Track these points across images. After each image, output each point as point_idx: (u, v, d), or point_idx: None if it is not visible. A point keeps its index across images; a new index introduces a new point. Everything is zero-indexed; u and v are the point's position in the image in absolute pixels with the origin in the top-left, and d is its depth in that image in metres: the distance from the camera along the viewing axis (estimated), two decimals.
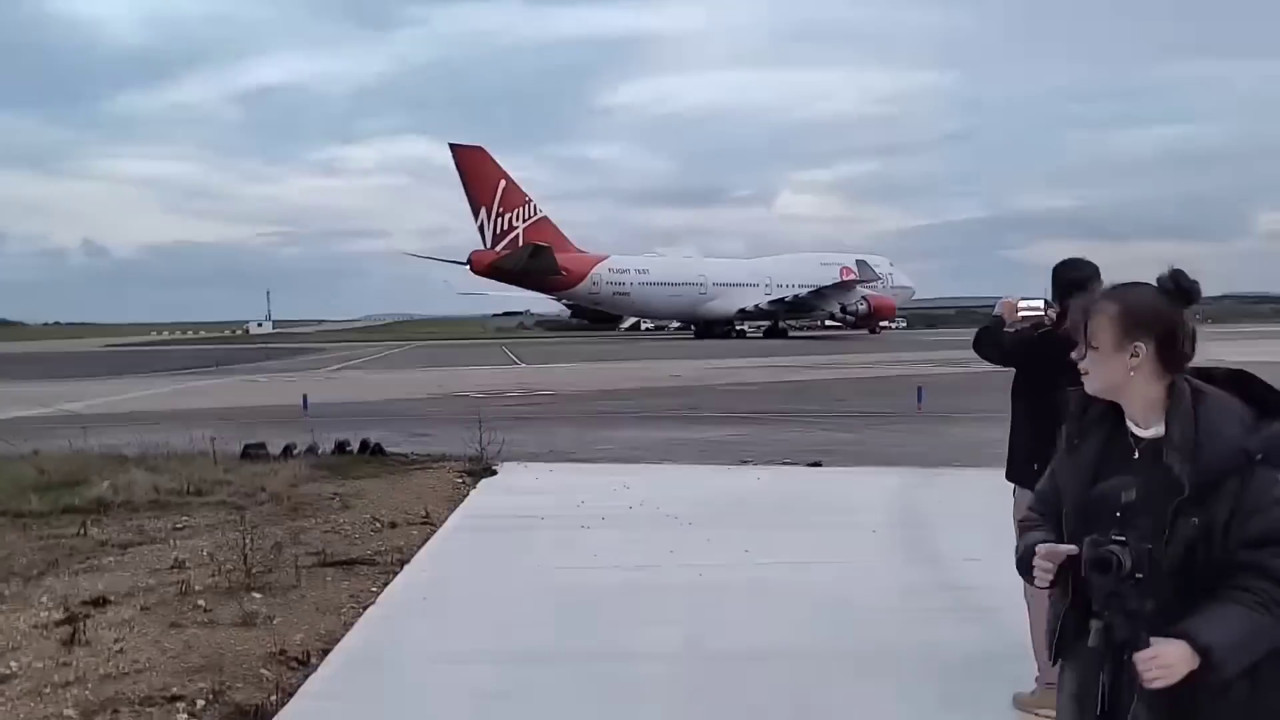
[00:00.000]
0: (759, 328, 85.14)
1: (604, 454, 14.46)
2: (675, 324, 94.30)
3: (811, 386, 29.26)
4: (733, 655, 5.79)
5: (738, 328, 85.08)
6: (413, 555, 8.14)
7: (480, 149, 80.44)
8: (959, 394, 21.94)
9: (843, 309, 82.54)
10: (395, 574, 7.57)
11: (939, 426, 17.49)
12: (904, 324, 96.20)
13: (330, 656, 5.80)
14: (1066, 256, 5.21)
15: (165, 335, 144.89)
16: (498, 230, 79.27)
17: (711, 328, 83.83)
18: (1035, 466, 4.93)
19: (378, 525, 9.22)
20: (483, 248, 79.54)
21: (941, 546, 8.20)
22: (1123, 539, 2.41)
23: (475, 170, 79.08)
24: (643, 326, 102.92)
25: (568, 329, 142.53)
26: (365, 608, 6.74)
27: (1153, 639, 2.35)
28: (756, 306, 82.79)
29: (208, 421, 19.86)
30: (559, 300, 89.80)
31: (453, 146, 79.60)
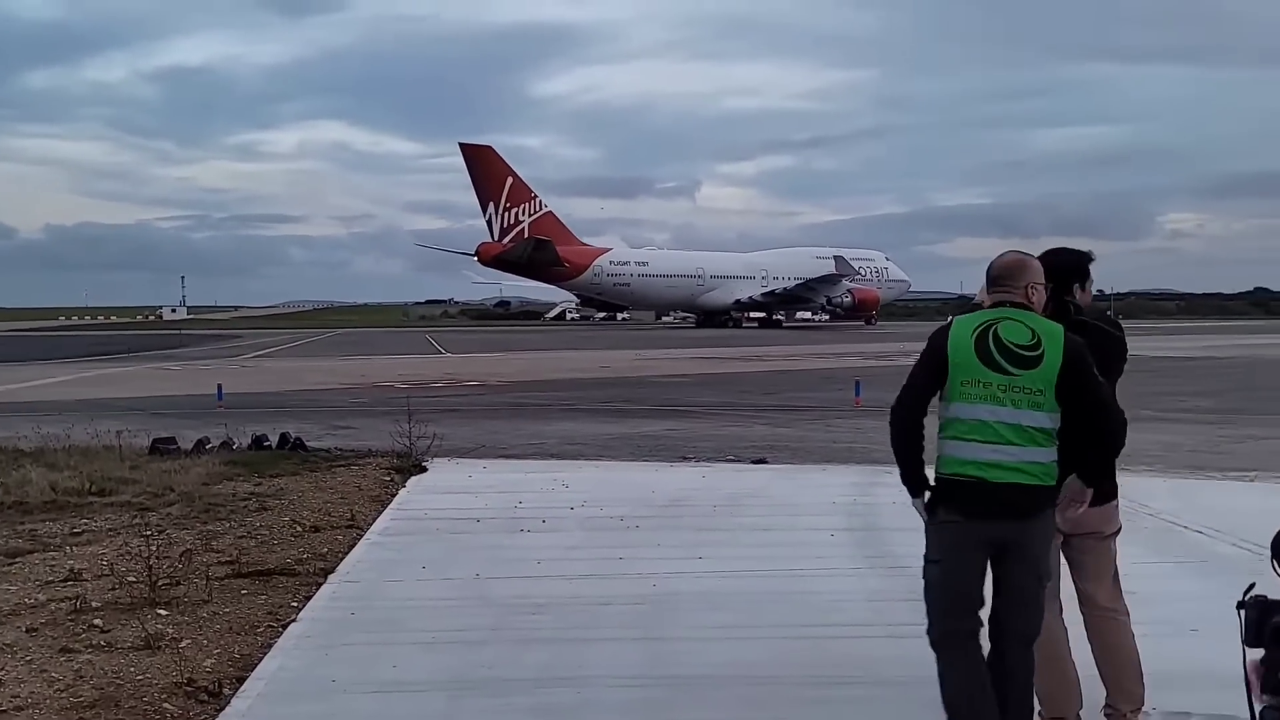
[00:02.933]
0: (755, 318, 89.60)
1: (539, 449, 13.86)
2: (671, 315, 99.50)
3: (744, 379, 28.94)
4: (694, 678, 5.26)
5: (734, 317, 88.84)
6: (338, 564, 7.47)
7: (489, 148, 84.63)
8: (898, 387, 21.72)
9: (828, 301, 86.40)
10: (318, 585, 6.89)
11: (880, 421, 17.17)
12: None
13: (245, 686, 5.12)
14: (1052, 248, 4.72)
15: (74, 320, 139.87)
16: (505, 224, 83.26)
17: (711, 317, 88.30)
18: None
19: (298, 529, 8.51)
20: (491, 240, 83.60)
21: (901, 551, 7.76)
22: None
23: (483, 167, 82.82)
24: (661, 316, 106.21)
25: (492, 317, 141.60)
26: (285, 626, 6.07)
27: None
28: (751, 298, 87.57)
29: (115, 412, 18.78)
30: (564, 290, 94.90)
31: (462, 145, 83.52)
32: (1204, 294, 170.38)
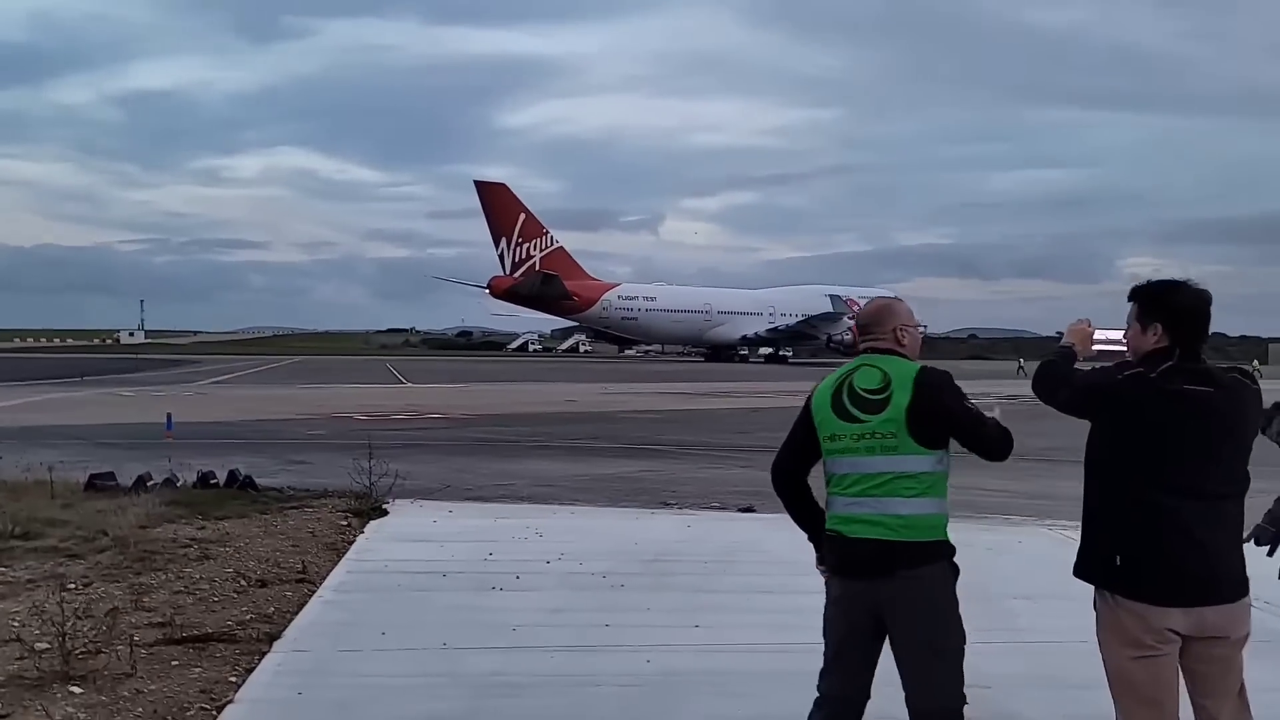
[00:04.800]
0: (761, 354, 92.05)
1: (509, 491, 12.97)
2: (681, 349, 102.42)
3: (715, 417, 28.21)
4: None
5: (740, 353, 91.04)
6: (285, 627, 6.56)
7: (502, 185, 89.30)
8: None
9: (830, 339, 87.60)
10: (262, 655, 5.98)
11: None
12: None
13: None
14: (1155, 279, 4.02)
15: (29, 342, 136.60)
16: (516, 259, 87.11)
17: (719, 352, 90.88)
18: (1118, 561, 3.77)
19: (243, 583, 7.59)
20: (503, 274, 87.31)
21: None
22: None
23: (497, 204, 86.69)
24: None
25: (454, 347, 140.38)
26: (220, 709, 5.16)
27: None
28: (757, 334, 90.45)
29: (57, 441, 17.70)
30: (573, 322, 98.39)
31: (477, 183, 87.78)
32: None
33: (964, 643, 3.91)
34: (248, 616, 6.79)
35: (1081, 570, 3.86)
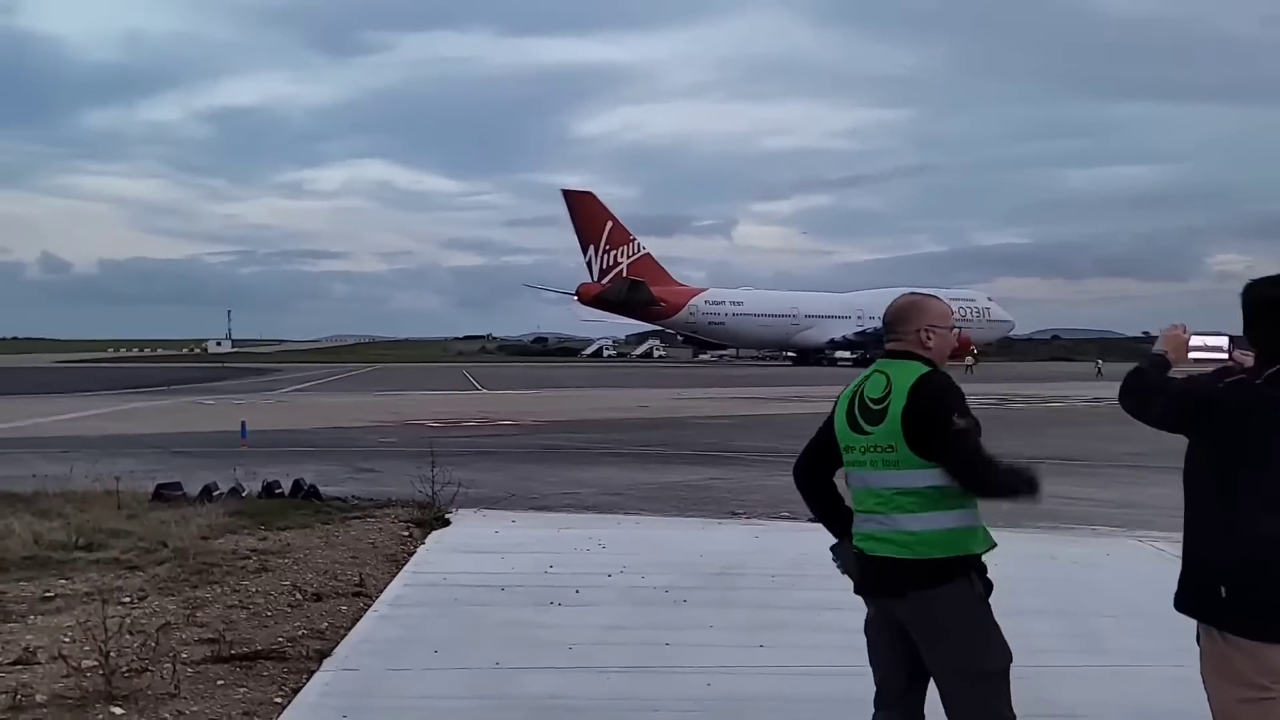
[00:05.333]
0: (850, 358, 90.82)
1: (573, 500, 12.74)
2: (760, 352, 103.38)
3: (788, 421, 27.69)
4: None
5: (829, 356, 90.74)
6: (337, 644, 6.38)
7: (590, 194, 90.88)
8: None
9: None
10: (310, 674, 5.81)
11: None
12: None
13: None
14: (1258, 277, 3.59)
15: (121, 352, 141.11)
16: (604, 265, 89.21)
17: (806, 356, 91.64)
18: (1223, 592, 3.35)
19: (298, 597, 7.44)
20: (590, 281, 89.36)
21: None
22: None
23: (585, 212, 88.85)
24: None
25: (529, 354, 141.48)
26: None
27: None
28: (844, 337, 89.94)
29: (135, 450, 18.00)
30: (664, 328, 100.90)
31: (565, 191, 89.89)
32: None
33: (1005, 665, 3.57)
34: (300, 633, 6.62)
35: (1183, 603, 3.45)
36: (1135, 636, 6.50)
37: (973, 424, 3.55)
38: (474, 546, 9.40)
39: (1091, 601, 7.52)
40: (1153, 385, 3.62)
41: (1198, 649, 3.40)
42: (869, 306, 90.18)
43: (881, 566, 3.58)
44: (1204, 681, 3.39)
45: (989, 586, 3.59)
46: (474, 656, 6.19)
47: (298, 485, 11.63)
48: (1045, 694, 5.61)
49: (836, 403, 3.84)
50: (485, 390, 44.68)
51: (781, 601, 7.58)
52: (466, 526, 10.36)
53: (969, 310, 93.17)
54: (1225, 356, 3.64)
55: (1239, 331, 3.56)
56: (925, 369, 3.63)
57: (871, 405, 3.64)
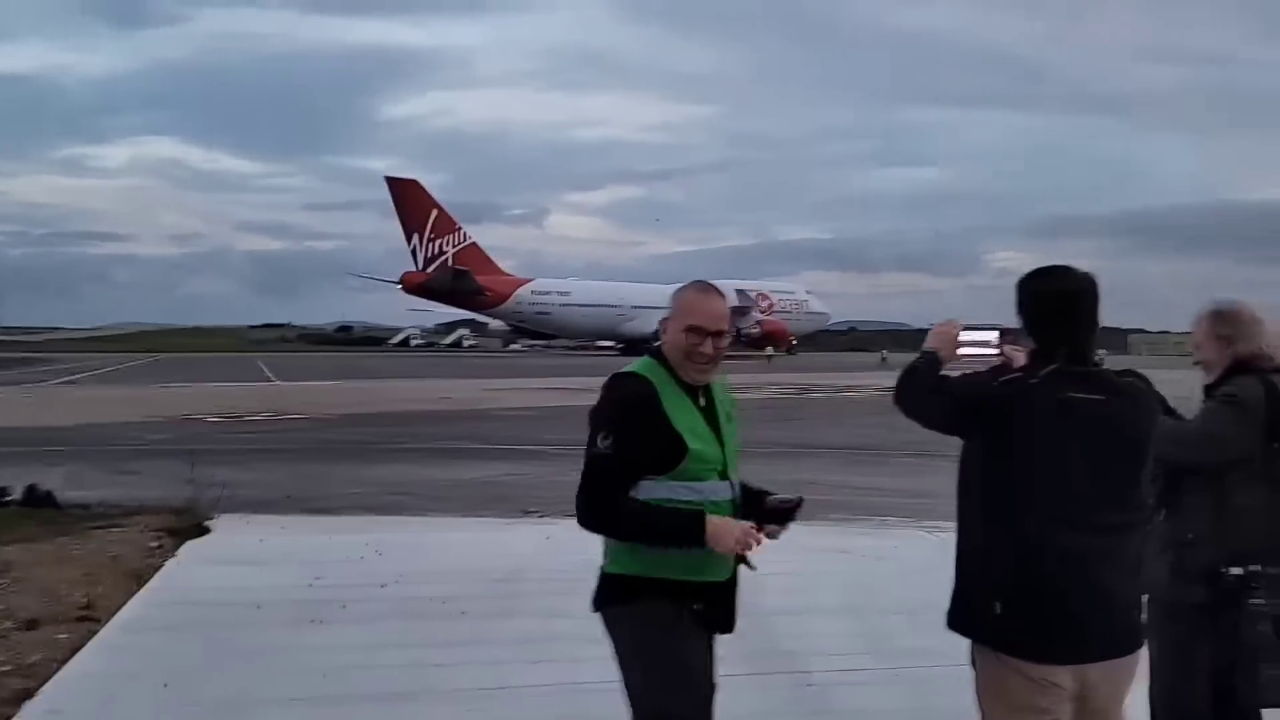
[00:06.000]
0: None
1: (355, 501, 11.84)
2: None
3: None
4: None
5: (655, 346, 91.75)
6: (44, 683, 5.46)
7: (414, 181, 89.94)
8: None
9: (739, 332, 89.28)
10: None
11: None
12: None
13: None
14: (1039, 267, 3.29)
15: None
16: (429, 254, 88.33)
17: (634, 345, 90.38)
18: (998, 609, 3.05)
19: (7, 625, 6.42)
20: (415, 269, 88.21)
21: (812, 644, 6.29)
22: None
23: (409, 200, 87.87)
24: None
25: (333, 343, 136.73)
26: None
27: None
28: None
29: None
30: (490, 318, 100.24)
31: (389, 179, 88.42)
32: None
33: (640, 698, 3.27)
34: (4, 670, 5.66)
35: (956, 620, 3.14)
36: (922, 634, 6.34)
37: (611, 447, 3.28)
38: (232, 557, 8.47)
39: (880, 598, 7.38)
40: (926, 385, 3.32)
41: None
42: None
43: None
44: (978, 704, 3.10)
45: (624, 603, 3.35)
46: (210, 689, 5.41)
47: (31, 490, 10.32)
48: (835, 702, 5.36)
49: None
50: (280, 381, 42.48)
51: (568, 609, 7.01)
52: (227, 534, 9.38)
53: (788, 302, 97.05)
54: (995, 352, 3.37)
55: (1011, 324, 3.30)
56: (624, 370, 3.46)
57: None
